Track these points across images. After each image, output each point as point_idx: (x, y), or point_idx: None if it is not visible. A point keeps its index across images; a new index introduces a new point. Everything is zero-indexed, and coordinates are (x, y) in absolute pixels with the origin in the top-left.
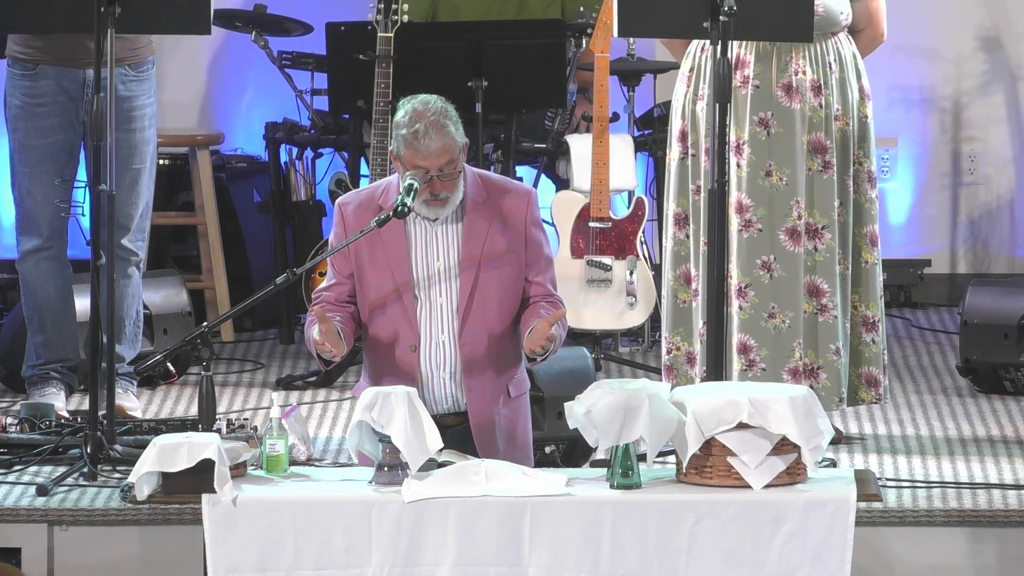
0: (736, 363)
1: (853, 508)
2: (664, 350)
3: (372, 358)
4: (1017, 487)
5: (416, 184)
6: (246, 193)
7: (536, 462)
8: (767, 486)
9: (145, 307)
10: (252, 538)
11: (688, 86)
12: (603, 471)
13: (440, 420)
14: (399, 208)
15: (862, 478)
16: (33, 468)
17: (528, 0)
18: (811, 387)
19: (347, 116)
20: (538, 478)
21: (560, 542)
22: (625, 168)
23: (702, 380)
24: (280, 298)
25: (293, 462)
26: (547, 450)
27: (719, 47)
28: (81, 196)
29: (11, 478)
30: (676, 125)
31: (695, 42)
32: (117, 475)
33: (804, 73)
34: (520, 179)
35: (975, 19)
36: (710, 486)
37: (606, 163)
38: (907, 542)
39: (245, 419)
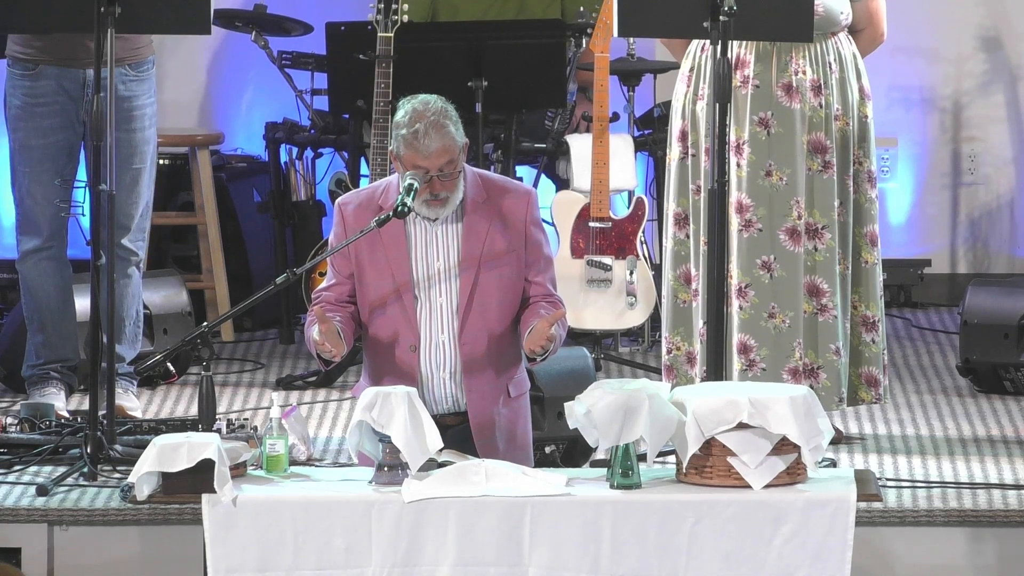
0: (736, 363)
1: (853, 508)
2: (664, 350)
3: (372, 358)
4: (1017, 487)
5: (416, 184)
6: (246, 193)
7: (536, 462)
8: (767, 486)
9: (145, 307)
10: (252, 538)
11: (688, 86)
12: (603, 471)
13: (440, 420)
14: (399, 208)
15: (862, 478)
16: (33, 468)
17: (528, 0)
18: (811, 387)
19: (347, 116)
20: (538, 478)
21: (560, 542)
22: (625, 168)
23: (702, 380)
24: (280, 298)
25: (293, 462)
26: (547, 450)
27: (719, 47)
28: (81, 196)
29: (11, 478)
30: (676, 125)
31: (695, 42)
32: (117, 475)
33: (804, 73)
34: (520, 179)
35: (975, 19)
36: (710, 486)
37: (606, 163)
38: (907, 542)
39: (245, 419)
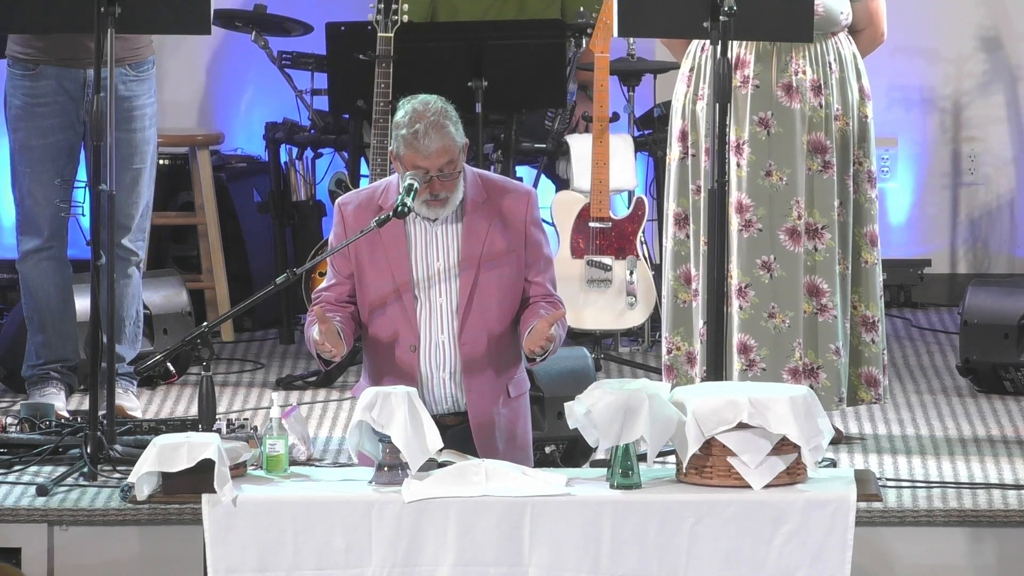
0: (736, 363)
1: (853, 508)
2: (664, 350)
3: (372, 358)
4: (1017, 487)
5: (416, 184)
6: (246, 193)
7: (536, 462)
8: (767, 486)
9: (145, 307)
10: (252, 538)
11: (688, 86)
12: (603, 471)
13: (440, 420)
14: (399, 208)
15: (862, 478)
16: (33, 468)
17: (528, 0)
18: (811, 387)
19: (347, 116)
20: (538, 478)
21: (560, 542)
22: (625, 168)
23: (702, 380)
24: (280, 298)
25: (293, 462)
26: (547, 450)
27: (719, 47)
28: (81, 196)
29: (11, 478)
30: (676, 125)
31: (695, 42)
32: (117, 475)
33: (804, 73)
34: (520, 179)
35: (975, 19)
36: (710, 486)
37: (606, 163)
38: (907, 542)
39: (245, 419)
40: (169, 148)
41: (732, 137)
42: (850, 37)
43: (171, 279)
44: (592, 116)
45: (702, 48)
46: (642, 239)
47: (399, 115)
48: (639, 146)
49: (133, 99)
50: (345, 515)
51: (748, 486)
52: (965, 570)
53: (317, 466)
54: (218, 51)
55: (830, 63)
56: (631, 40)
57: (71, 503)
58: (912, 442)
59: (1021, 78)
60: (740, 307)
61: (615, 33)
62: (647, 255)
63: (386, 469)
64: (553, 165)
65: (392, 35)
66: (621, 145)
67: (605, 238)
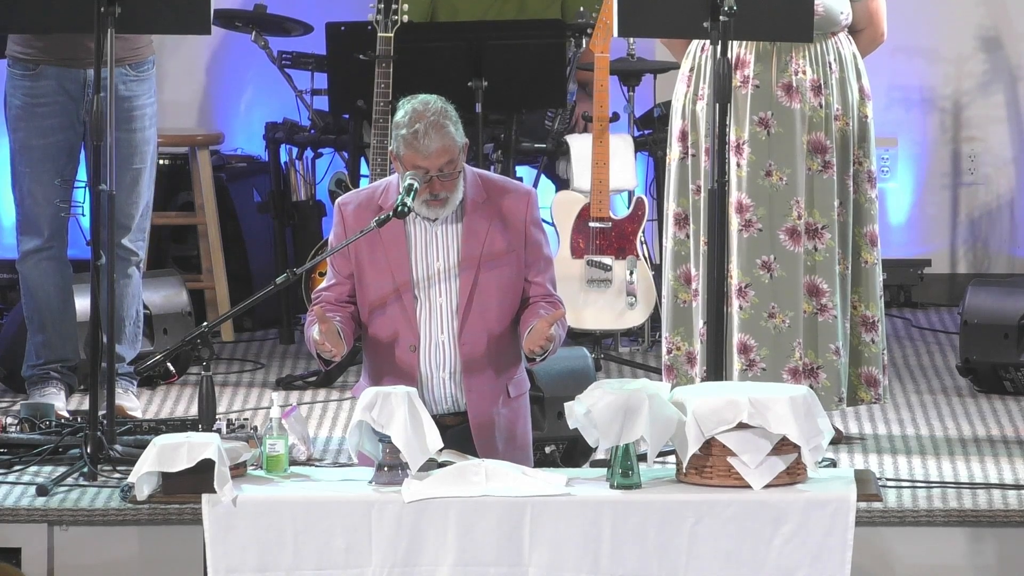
0: (736, 363)
1: (853, 508)
2: (664, 350)
3: (372, 358)
4: (1017, 487)
5: (416, 184)
6: (246, 193)
7: (536, 462)
8: (767, 486)
9: (145, 307)
10: (252, 538)
11: (688, 86)
12: (603, 471)
13: (440, 420)
14: (399, 208)
15: (862, 478)
16: (33, 468)
17: (528, 0)
18: (811, 387)
19: (347, 116)
20: (538, 478)
21: (560, 542)
22: (625, 168)
23: (702, 380)
24: (280, 298)
25: (293, 462)
26: (547, 450)
27: (719, 47)
28: (81, 196)
29: (11, 478)
30: (676, 125)
31: (695, 42)
32: (117, 475)
33: (804, 73)
34: (520, 179)
35: (975, 19)
36: (710, 486)
37: (606, 163)
38: (907, 542)
39: (245, 419)
40: (169, 148)
41: (732, 137)
42: (850, 37)
43: (171, 279)
44: (592, 116)
45: (702, 48)
46: (642, 239)
47: (399, 115)
48: (639, 146)
49: (133, 99)
50: (345, 515)
51: (748, 486)
52: (965, 570)
53: (317, 466)
54: (218, 51)
55: (830, 63)
56: (631, 40)
57: (71, 503)
58: (912, 442)
59: (1021, 78)
60: (740, 307)
61: (615, 33)
62: (647, 255)
63: (386, 469)
64: (553, 165)
65: (392, 35)
66: (621, 145)
67: (605, 238)
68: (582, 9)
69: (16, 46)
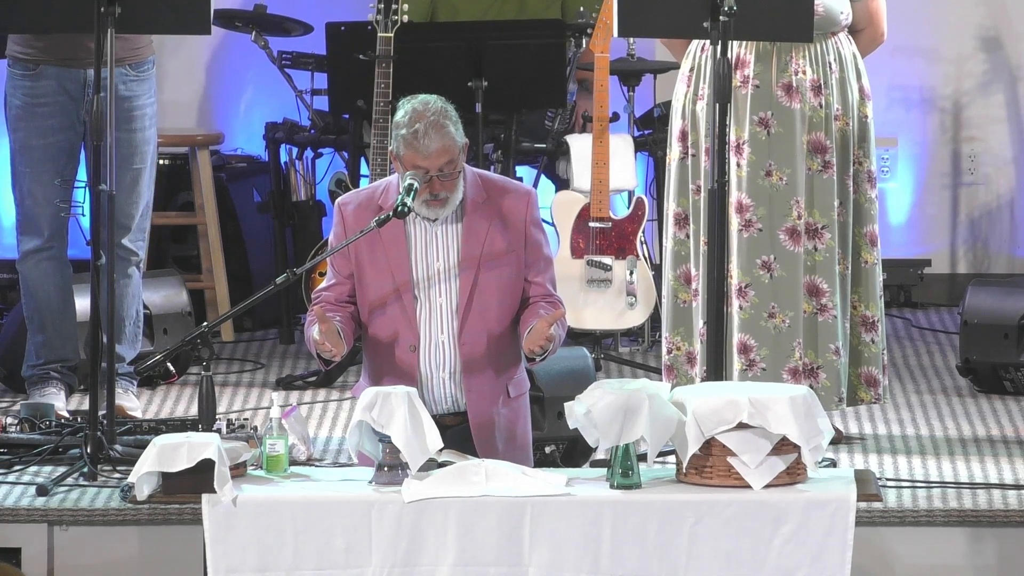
0: (736, 363)
1: (853, 508)
2: (664, 350)
3: (372, 358)
4: (1017, 487)
5: (416, 184)
6: (246, 193)
7: (536, 462)
8: (767, 486)
9: (145, 307)
10: (252, 538)
11: (688, 86)
12: (603, 471)
13: (440, 420)
14: (399, 208)
15: (862, 478)
16: (33, 468)
17: (528, 0)
18: (811, 387)
19: (347, 116)
20: (538, 478)
21: (560, 542)
22: (625, 168)
23: (702, 380)
24: (280, 298)
25: (293, 462)
26: (547, 450)
27: (719, 47)
28: (81, 196)
29: (11, 478)
30: (676, 125)
31: (695, 42)
32: (117, 475)
33: (804, 73)
34: (520, 179)
35: (975, 19)
36: (710, 486)
37: (606, 163)
38: (907, 542)
39: (245, 419)
40: (169, 148)
41: (732, 137)
42: (850, 37)
43: (171, 279)
44: (592, 115)
45: (702, 48)
46: (642, 239)
47: (399, 115)
48: (639, 146)
49: (133, 99)
50: (345, 515)
51: (748, 486)
52: (965, 570)
53: (317, 466)
54: (218, 51)
55: (830, 63)
56: (631, 40)
57: (71, 503)
58: (912, 442)
59: (1021, 78)
60: (740, 307)
61: (615, 33)
62: (647, 255)
63: (386, 469)
64: (553, 165)
65: (392, 35)
66: (621, 145)
67: (605, 238)
68: (582, 9)
69: (16, 46)
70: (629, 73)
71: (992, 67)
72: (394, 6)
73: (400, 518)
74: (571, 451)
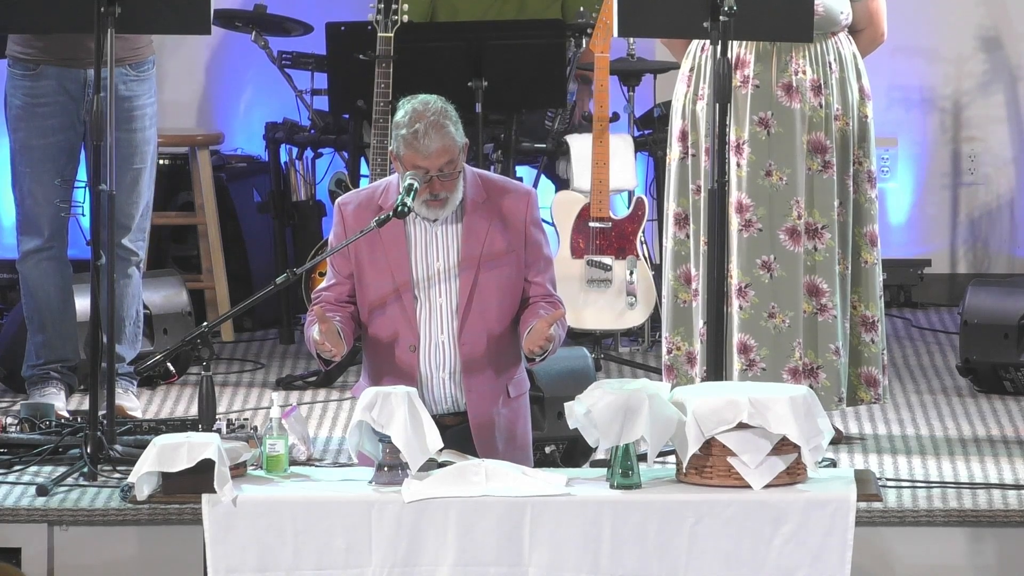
0: (736, 363)
1: (853, 508)
2: (664, 350)
3: (371, 358)
4: (1017, 487)
5: (416, 184)
6: (246, 193)
7: (536, 462)
8: (767, 486)
9: (145, 307)
10: (252, 538)
11: (688, 86)
12: (603, 471)
13: (440, 420)
14: (399, 208)
15: (862, 478)
16: (33, 468)
17: (528, 0)
18: (810, 387)
19: (347, 116)
20: (538, 478)
21: (560, 542)
22: (625, 168)
23: (702, 380)
24: (280, 298)
25: (293, 462)
26: (547, 450)
27: (719, 47)
28: (81, 196)
29: (11, 478)
30: (676, 125)
31: (695, 42)
32: (117, 475)
33: (804, 73)
34: (520, 179)
35: (975, 19)
36: (710, 486)
37: (606, 163)
38: (907, 542)
39: (245, 419)
40: (169, 148)
41: (732, 137)
42: (850, 37)
43: (171, 279)
44: (592, 116)
45: (702, 48)
46: (642, 239)
47: (399, 115)
48: (639, 146)
49: (133, 99)
50: (345, 515)
51: (748, 486)
52: (965, 570)
53: (317, 466)
54: (218, 51)
55: (830, 63)
56: (631, 40)
57: (71, 503)
58: (912, 442)
59: (1021, 78)
60: (740, 307)
61: (615, 33)
62: (647, 255)
63: (386, 469)
64: (553, 165)
65: (392, 35)
66: (621, 145)
67: (605, 238)
68: (582, 9)
69: (16, 46)
70: (629, 73)
71: (992, 67)
72: (394, 6)
73: (400, 518)
74: (571, 451)
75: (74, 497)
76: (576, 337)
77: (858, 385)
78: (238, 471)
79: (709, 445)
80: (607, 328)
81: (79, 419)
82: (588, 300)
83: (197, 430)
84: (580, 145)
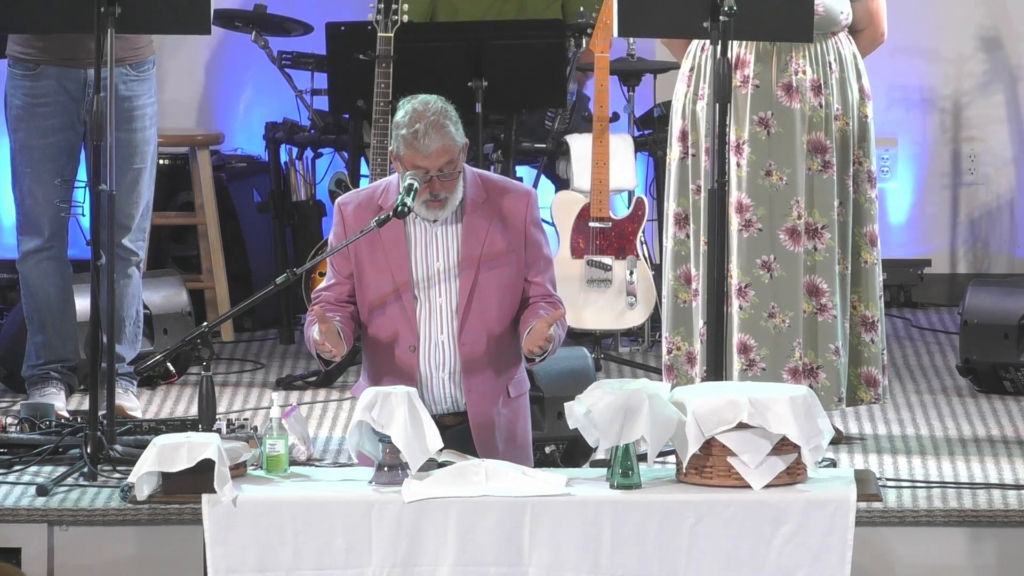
0: (736, 363)
1: (853, 508)
2: (664, 350)
3: (371, 358)
4: (1017, 487)
5: (416, 184)
6: (246, 193)
7: (536, 462)
8: (767, 486)
9: (145, 307)
10: (252, 538)
11: (688, 86)
12: (603, 471)
13: (440, 420)
14: (399, 208)
15: (862, 478)
16: (33, 468)
17: (528, 0)
18: (811, 387)
19: (347, 116)
20: (538, 478)
21: (560, 542)
22: (625, 168)
23: (702, 380)
24: (280, 298)
25: (293, 462)
26: (547, 450)
27: (719, 47)
28: (81, 196)
29: (11, 478)
30: (676, 125)
31: (695, 42)
32: (117, 475)
33: (804, 73)
34: (520, 179)
35: (975, 19)
36: (710, 486)
37: (606, 163)
38: (907, 542)
39: (245, 419)
40: (169, 148)
41: (732, 137)
42: (850, 37)
43: (171, 279)
44: (592, 116)
45: (702, 48)
46: (642, 239)
47: (399, 115)
48: (639, 146)
49: (133, 99)
50: (345, 515)
51: (748, 486)
52: (965, 570)
53: (317, 466)
54: (218, 51)
55: (830, 63)
56: (631, 40)
57: (71, 503)
58: (912, 442)
59: (1021, 78)
60: (740, 307)
61: (615, 33)
62: (647, 255)
63: (386, 469)
64: (553, 165)
65: (392, 35)
66: (621, 145)
67: (605, 238)
68: (582, 9)
69: (16, 46)
70: (629, 73)
71: (992, 67)
72: (394, 6)
73: (400, 518)
74: (571, 451)
75: (74, 497)
76: (576, 337)
77: (858, 385)
78: (238, 471)
79: (709, 445)
80: (607, 328)
81: (79, 419)
82: (588, 300)
83: (197, 430)
84: (580, 145)
